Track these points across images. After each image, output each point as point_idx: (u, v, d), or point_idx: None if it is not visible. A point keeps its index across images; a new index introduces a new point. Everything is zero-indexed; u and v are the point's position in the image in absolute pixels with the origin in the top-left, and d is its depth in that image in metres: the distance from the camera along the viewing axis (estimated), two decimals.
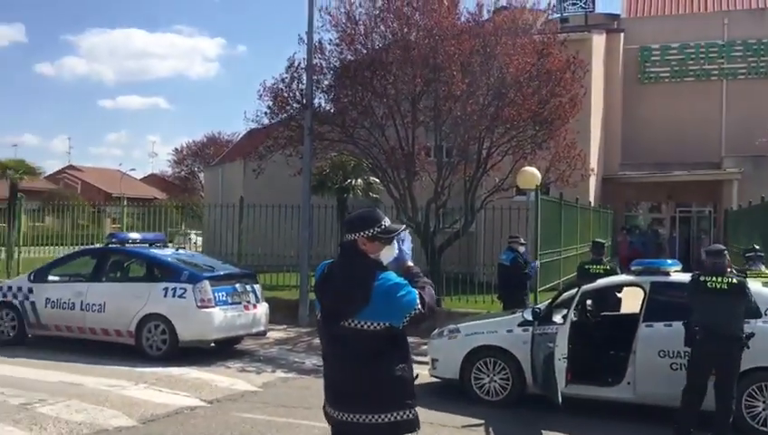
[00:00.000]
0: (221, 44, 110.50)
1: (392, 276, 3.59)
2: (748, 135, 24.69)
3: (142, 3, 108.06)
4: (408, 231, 3.86)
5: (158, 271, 10.88)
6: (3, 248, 18.94)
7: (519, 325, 8.39)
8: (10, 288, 11.57)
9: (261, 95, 14.61)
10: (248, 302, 11.10)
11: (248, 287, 11.23)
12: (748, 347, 6.83)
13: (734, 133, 25.63)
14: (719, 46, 27.29)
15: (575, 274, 15.83)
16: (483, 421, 7.75)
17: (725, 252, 7.29)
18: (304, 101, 14.33)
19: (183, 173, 62.16)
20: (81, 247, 15.67)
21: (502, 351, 8.41)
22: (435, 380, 9.16)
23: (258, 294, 11.42)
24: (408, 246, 3.79)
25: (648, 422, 7.71)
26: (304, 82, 14.38)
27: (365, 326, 3.52)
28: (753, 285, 8.04)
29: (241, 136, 41.38)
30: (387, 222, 3.71)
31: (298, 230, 15.24)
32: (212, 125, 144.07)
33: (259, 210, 15.46)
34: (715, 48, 27.35)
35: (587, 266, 10.52)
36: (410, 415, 3.59)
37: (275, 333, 12.81)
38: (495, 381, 8.42)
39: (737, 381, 7.11)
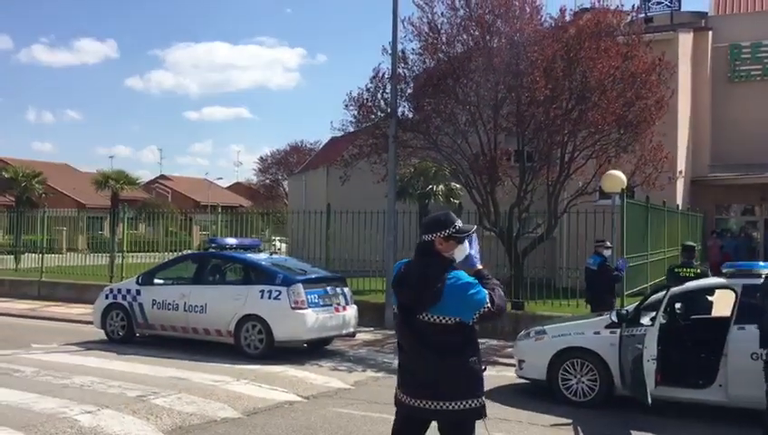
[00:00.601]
0: (301, 54, 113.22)
1: (463, 275, 3.94)
2: None
3: (226, 16, 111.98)
4: (475, 235, 4.17)
5: (254, 274, 11.48)
6: (106, 254, 20.20)
7: (606, 327, 8.49)
8: (119, 290, 12.45)
9: (347, 105, 15.14)
10: (338, 304, 11.56)
11: (338, 290, 11.71)
12: None
13: None
14: None
15: (662, 278, 15.69)
16: (571, 421, 7.88)
17: None
18: (389, 109, 14.73)
19: (267, 181, 63.95)
20: (184, 253, 16.55)
21: (589, 352, 8.52)
22: (521, 380, 9.37)
23: (348, 296, 11.88)
24: (476, 249, 4.12)
25: (737, 424, 7.67)
26: (389, 91, 14.79)
27: (437, 320, 3.88)
28: None
29: (323, 144, 42.40)
30: (459, 223, 4.08)
31: (383, 235, 15.65)
32: (293, 133, 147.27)
33: (345, 217, 15.96)
34: None
35: (677, 270, 10.49)
36: (479, 403, 3.95)
37: (363, 335, 13.24)
38: (583, 383, 8.54)
39: None
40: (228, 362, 10.54)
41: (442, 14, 14.61)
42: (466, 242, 4.10)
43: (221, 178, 67.68)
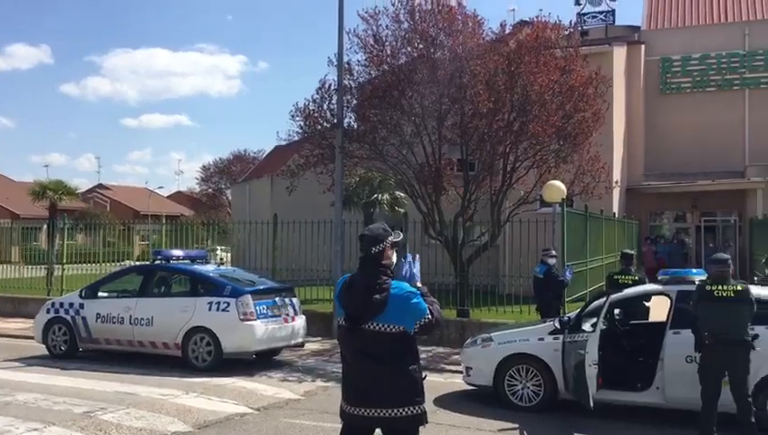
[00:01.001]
0: (242, 62, 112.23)
1: (406, 285, 4.20)
2: None
3: (166, 23, 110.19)
4: (418, 255, 4.46)
5: (202, 286, 11.40)
6: (43, 266, 19.67)
7: (550, 334, 8.78)
8: (62, 304, 12.18)
9: (293, 115, 15.22)
10: (287, 314, 11.59)
11: (287, 301, 11.73)
12: (754, 348, 7.15)
13: (758, 142, 25.80)
14: (740, 56, 27.48)
15: (601, 284, 16.22)
16: (517, 425, 8.12)
17: (729, 260, 7.62)
18: (335, 120, 14.87)
19: (210, 190, 63.16)
20: (126, 264, 16.26)
21: (534, 358, 8.79)
22: (469, 387, 9.59)
23: (296, 307, 11.93)
24: (417, 268, 4.37)
25: (674, 425, 8.03)
26: (335, 102, 14.93)
27: (382, 329, 4.09)
28: None
29: (267, 153, 42.19)
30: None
31: (329, 245, 15.74)
32: (236, 142, 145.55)
33: (292, 226, 15.99)
34: (737, 58, 27.54)
35: (616, 277, 10.87)
36: (420, 410, 4.15)
37: (312, 345, 13.28)
38: (528, 388, 8.80)
39: (762, 384, 7.48)
40: (176, 375, 10.45)
41: (386, 26, 14.83)
42: (410, 258, 4.33)
43: (162, 187, 66.65)
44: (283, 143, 19.61)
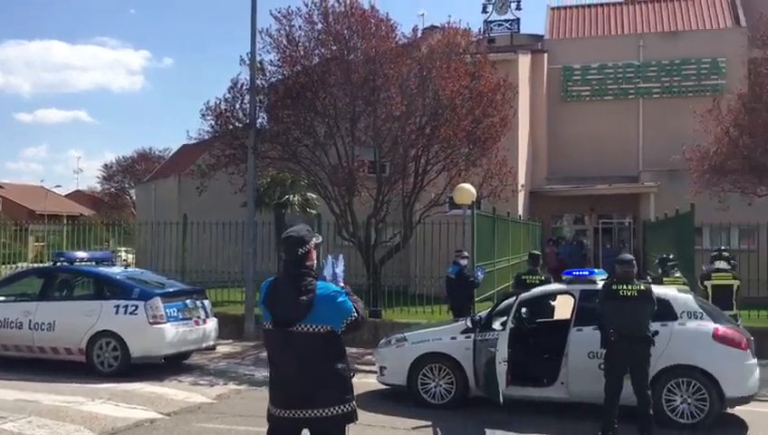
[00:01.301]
0: (146, 57, 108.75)
1: (332, 286, 4.26)
2: (663, 151, 26.18)
3: (63, 14, 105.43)
4: (342, 256, 4.52)
5: (108, 289, 11.03)
6: None
7: (462, 333, 9.03)
8: None
9: (204, 114, 14.96)
10: (198, 317, 11.39)
11: (198, 303, 11.53)
12: (654, 344, 7.62)
13: (651, 149, 27.23)
14: (635, 67, 28.95)
15: (508, 284, 16.75)
16: (430, 423, 8.31)
17: (634, 261, 8.10)
18: (247, 120, 14.70)
19: (113, 190, 60.79)
20: (20, 266, 15.48)
21: (446, 357, 9.01)
22: (383, 386, 9.71)
23: (208, 309, 11.73)
24: (341, 269, 4.40)
25: (577, 419, 8.41)
26: (247, 101, 14.76)
27: (310, 330, 4.12)
28: (669, 290, 8.96)
29: (174, 152, 41.10)
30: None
31: (240, 246, 15.55)
32: (140, 140, 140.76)
33: (202, 227, 15.69)
34: (632, 68, 29.00)
35: (524, 277, 11.27)
36: (350, 407, 4.22)
37: (223, 348, 13.08)
38: (441, 386, 9.01)
39: (658, 377, 7.97)
40: (80, 381, 10.07)
41: (300, 27, 14.79)
42: (331, 258, 4.39)
43: (59, 186, 63.23)
44: (192, 142, 19.17)
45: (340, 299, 4.19)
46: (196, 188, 15.63)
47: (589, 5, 32.25)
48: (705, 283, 11.41)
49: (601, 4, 32.09)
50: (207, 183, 15.50)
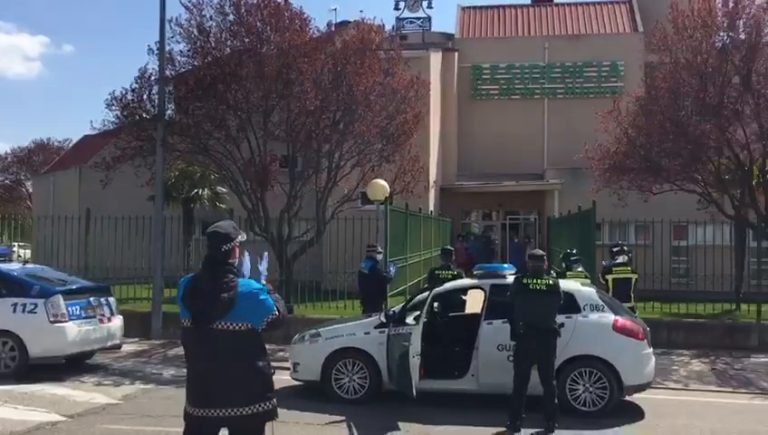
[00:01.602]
0: (44, 43, 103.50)
1: (253, 283, 4.23)
2: (567, 149, 27.20)
3: None
4: (267, 253, 4.52)
5: (4, 286, 10.44)
6: None
7: (376, 328, 9.10)
8: None
9: (109, 105, 14.44)
10: (103, 315, 11.01)
11: (102, 301, 11.14)
12: (560, 336, 7.95)
13: (555, 147, 28.21)
14: (541, 68, 29.93)
15: (420, 279, 17.00)
16: (344, 418, 8.33)
17: (545, 256, 8.42)
18: (156, 111, 14.29)
19: (7, 182, 57.53)
20: None
21: (360, 352, 9.06)
22: (296, 383, 9.67)
23: (113, 307, 11.36)
24: (264, 266, 4.40)
25: (487, 409, 8.63)
26: (155, 92, 14.34)
27: (230, 327, 4.07)
28: (573, 284, 9.34)
29: (74, 143, 39.38)
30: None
31: (147, 241, 15.12)
32: (38, 129, 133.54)
33: (106, 222, 15.13)
34: (538, 69, 29.96)
35: (437, 272, 11.47)
36: (271, 405, 4.20)
37: (129, 347, 12.70)
38: (355, 381, 9.06)
39: (562, 368, 8.30)
40: None
41: (211, 17, 14.52)
42: (256, 257, 4.35)
43: None
44: (95, 133, 18.42)
45: (262, 297, 4.16)
46: (100, 181, 15.06)
47: (497, 7, 33.09)
48: (607, 276, 12.00)
49: (509, 6, 32.98)
50: (112, 176, 14.96)
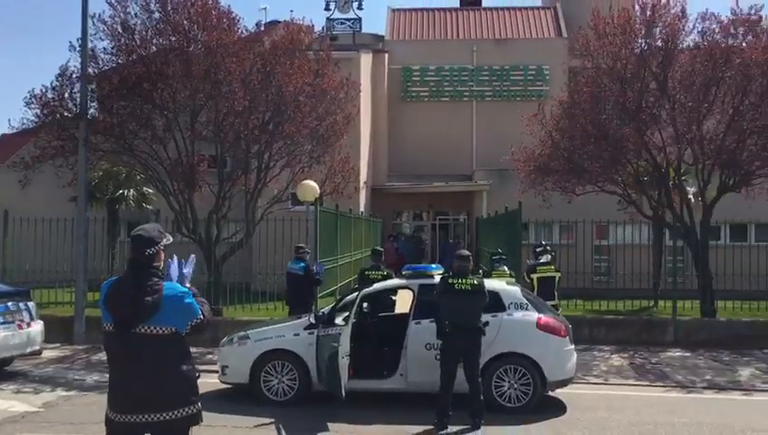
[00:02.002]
0: None
1: (178, 286, 4.19)
2: (495, 151, 27.75)
3: None
4: (193, 256, 4.45)
5: None
6: None
7: (305, 329, 9.10)
8: None
9: (28, 103, 13.96)
10: (22, 320, 10.64)
11: (21, 305, 10.77)
12: (485, 334, 8.15)
13: (483, 149, 28.76)
14: (469, 71, 30.46)
15: (351, 279, 17.06)
16: (273, 420, 8.31)
17: (470, 257, 8.60)
18: (78, 110, 13.88)
19: None
20: None
21: (289, 353, 9.05)
22: (225, 386, 9.58)
23: (33, 311, 10.97)
24: (190, 269, 4.35)
25: (414, 408, 8.75)
26: (77, 90, 13.93)
27: (154, 331, 4.03)
28: (499, 283, 9.58)
29: None
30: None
31: (69, 243, 14.66)
32: None
33: (25, 224, 14.59)
34: (467, 72, 30.48)
35: (367, 272, 11.53)
36: (195, 409, 4.17)
37: (50, 352, 12.29)
38: (284, 382, 9.04)
39: (488, 365, 8.51)
40: None
41: (136, 14, 14.21)
42: (182, 260, 4.31)
43: None
44: (13, 131, 17.73)
45: (187, 301, 4.12)
46: (19, 181, 14.51)
47: (427, 9, 33.49)
48: (532, 275, 12.33)
49: (439, 9, 33.44)
50: (32, 176, 14.44)
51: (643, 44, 15.50)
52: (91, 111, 14.57)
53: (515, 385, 8.67)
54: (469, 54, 30.42)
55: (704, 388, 10.52)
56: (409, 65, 30.36)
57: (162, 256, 4.19)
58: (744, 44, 14.90)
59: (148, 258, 4.12)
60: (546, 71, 29.46)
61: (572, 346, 9.14)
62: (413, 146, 28.88)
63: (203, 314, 4.18)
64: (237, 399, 9.19)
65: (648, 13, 15.39)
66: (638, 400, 9.73)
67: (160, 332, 4.03)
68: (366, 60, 26.06)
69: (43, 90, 13.92)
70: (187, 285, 4.25)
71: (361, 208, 22.92)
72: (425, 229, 31.13)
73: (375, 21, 76.13)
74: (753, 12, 15.02)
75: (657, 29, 15.30)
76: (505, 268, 12.45)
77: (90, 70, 14.07)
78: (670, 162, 15.83)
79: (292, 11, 35.69)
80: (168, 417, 4.02)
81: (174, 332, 4.07)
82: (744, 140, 14.92)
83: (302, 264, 11.98)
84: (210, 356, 11.42)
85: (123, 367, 4.11)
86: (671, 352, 13.20)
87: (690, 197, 17.03)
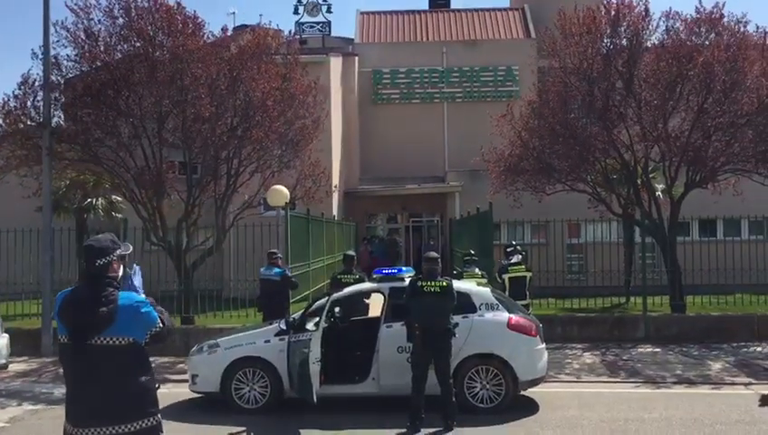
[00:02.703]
0: None
1: (135, 296, 4.09)
2: (466, 152, 27.82)
3: None
4: (139, 266, 4.34)
5: None
6: None
7: (276, 335, 9.02)
8: None
9: None
10: None
11: None
12: (455, 335, 8.15)
13: (455, 150, 28.81)
14: (439, 72, 30.51)
15: (324, 284, 16.98)
16: (244, 428, 8.24)
17: (439, 259, 8.60)
18: (41, 119, 13.67)
19: None
20: None
21: (260, 360, 8.96)
22: (196, 395, 9.47)
23: None
24: (138, 281, 4.25)
25: (386, 411, 8.70)
26: (41, 99, 13.72)
27: (111, 342, 3.93)
28: (469, 285, 9.60)
29: None
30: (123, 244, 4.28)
31: (36, 254, 14.42)
32: None
33: None
34: (437, 74, 30.53)
35: (339, 276, 11.47)
36: (155, 421, 4.08)
37: (17, 366, 12.07)
38: (255, 390, 8.95)
39: (460, 366, 8.51)
40: None
41: (99, 21, 14.04)
42: (129, 271, 4.21)
43: None
44: None
45: (144, 310, 4.03)
46: None
47: (396, 12, 33.50)
48: (504, 276, 12.38)
49: (408, 12, 33.46)
50: None
51: (609, 44, 15.65)
52: (56, 119, 14.39)
53: (487, 386, 8.68)
54: (439, 56, 30.48)
55: (674, 383, 10.63)
56: (380, 68, 30.34)
57: (116, 266, 4.10)
58: (707, 43, 15.10)
59: (100, 269, 4.03)
60: (516, 71, 29.61)
61: (543, 345, 9.17)
62: (385, 149, 28.85)
63: (162, 322, 4.10)
64: (209, 408, 9.10)
65: (613, 12, 15.55)
66: (609, 396, 9.81)
67: (117, 342, 3.95)
68: (336, 63, 26.01)
69: (5, 98, 13.75)
70: (141, 295, 4.17)
71: (334, 212, 22.85)
72: (399, 232, 31.10)
73: (344, 24, 76.15)
74: (715, 10, 15.25)
75: (622, 28, 15.46)
76: (477, 270, 12.49)
77: (53, 77, 13.89)
78: (638, 160, 15.99)
79: (261, 15, 35.51)
80: (126, 429, 3.94)
81: (132, 342, 3.99)
82: (709, 137, 15.12)
83: (278, 269, 11.87)
84: (181, 365, 11.28)
85: (80, 379, 4.02)
86: (642, 348, 13.33)
87: (658, 194, 17.25)
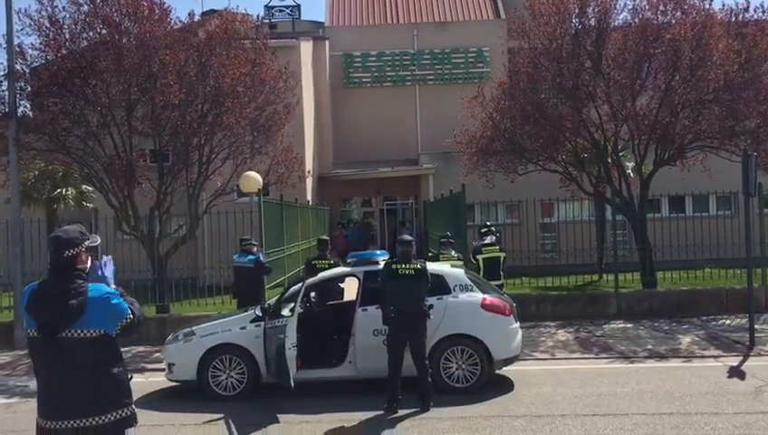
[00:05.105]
0: None
1: (104, 287, 4.06)
2: (439, 134, 27.88)
3: None
4: (111, 257, 4.31)
5: None
6: None
7: (251, 322, 9.03)
8: None
9: None
10: None
11: None
12: (430, 317, 8.23)
13: (428, 133, 28.83)
14: (411, 55, 30.45)
15: (299, 269, 16.98)
16: (222, 415, 8.24)
17: (413, 242, 8.66)
18: (7, 109, 13.44)
19: None
20: None
21: (237, 347, 8.97)
22: (172, 384, 9.46)
23: None
24: (110, 271, 4.23)
25: (365, 393, 8.77)
26: (5, 88, 13.50)
27: (81, 335, 3.91)
28: (443, 267, 9.67)
29: None
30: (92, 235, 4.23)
31: (6, 247, 14.22)
32: None
33: None
34: (408, 56, 30.46)
35: (313, 262, 11.49)
36: (128, 412, 4.08)
37: None
38: (232, 377, 8.96)
39: (436, 347, 8.60)
40: None
41: (64, 8, 13.79)
42: (98, 262, 4.18)
43: None
44: None
45: (114, 301, 4.01)
46: None
47: None
48: (477, 256, 12.49)
49: None
50: None
51: (577, 24, 15.73)
52: (22, 109, 14.15)
53: (463, 366, 8.78)
54: (410, 38, 30.39)
55: (645, 357, 10.84)
56: (351, 51, 30.18)
57: (84, 258, 4.07)
58: (673, 21, 15.25)
59: (68, 260, 4.00)
60: (486, 53, 29.64)
61: (517, 324, 9.30)
62: (358, 132, 28.79)
63: (133, 312, 4.09)
64: (186, 396, 9.09)
65: None
66: (582, 372, 9.98)
67: (88, 335, 3.93)
68: (306, 47, 25.83)
69: None
70: (112, 286, 4.15)
71: (308, 197, 22.80)
72: (374, 215, 31.13)
73: (314, 8, 75.45)
74: None
75: (590, 8, 15.54)
76: (453, 252, 12.57)
77: (18, 66, 13.62)
78: (608, 139, 16.16)
79: (229, 0, 35.21)
80: (99, 421, 3.93)
81: (103, 334, 3.97)
82: (677, 115, 15.32)
83: (251, 256, 11.82)
84: (158, 354, 11.24)
85: (49, 372, 3.99)
86: (614, 324, 13.55)
87: (628, 172, 17.46)
